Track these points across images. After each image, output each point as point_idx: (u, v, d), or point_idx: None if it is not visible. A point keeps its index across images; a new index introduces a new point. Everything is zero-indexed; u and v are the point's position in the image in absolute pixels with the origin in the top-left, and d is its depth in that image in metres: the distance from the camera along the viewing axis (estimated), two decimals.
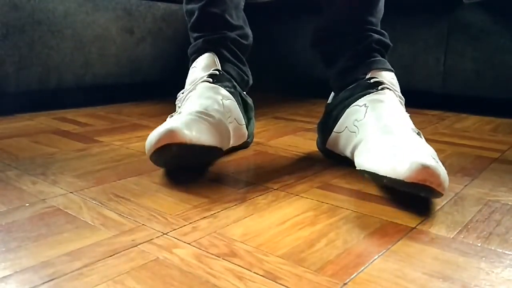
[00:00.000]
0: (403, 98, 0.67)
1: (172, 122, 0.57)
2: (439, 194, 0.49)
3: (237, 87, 0.76)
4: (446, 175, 0.51)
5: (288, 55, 1.56)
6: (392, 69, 0.70)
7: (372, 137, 0.58)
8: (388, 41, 0.72)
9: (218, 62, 0.75)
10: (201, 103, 0.66)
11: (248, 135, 0.78)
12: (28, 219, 0.48)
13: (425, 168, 0.47)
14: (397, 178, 0.49)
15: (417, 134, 0.59)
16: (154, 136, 0.56)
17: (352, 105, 0.66)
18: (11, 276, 0.37)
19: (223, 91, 0.71)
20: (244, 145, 0.79)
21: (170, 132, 0.55)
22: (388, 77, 0.67)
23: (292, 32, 1.54)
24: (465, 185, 0.61)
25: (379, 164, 0.52)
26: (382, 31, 0.72)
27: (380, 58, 0.70)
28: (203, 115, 0.63)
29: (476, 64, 1.18)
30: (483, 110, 1.21)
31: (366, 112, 0.62)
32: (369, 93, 0.64)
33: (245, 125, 0.75)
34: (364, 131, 0.61)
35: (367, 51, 0.70)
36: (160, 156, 0.56)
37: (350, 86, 0.68)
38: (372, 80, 0.65)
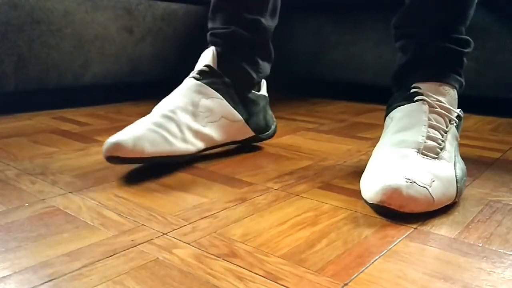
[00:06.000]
0: (452, 111, 0.62)
1: (124, 134, 0.61)
2: (405, 214, 0.49)
3: (229, 84, 0.74)
4: (422, 195, 0.49)
5: (288, 55, 1.56)
6: (450, 82, 0.64)
7: (373, 154, 0.61)
8: (464, 49, 0.66)
9: (215, 57, 0.74)
10: (174, 102, 0.68)
11: (255, 129, 0.77)
12: (28, 219, 0.48)
13: (383, 190, 0.49)
14: (365, 199, 0.52)
15: (424, 150, 0.56)
16: (105, 144, 0.60)
17: (388, 115, 0.66)
18: (11, 276, 0.37)
19: (207, 90, 0.71)
20: (254, 140, 0.79)
21: (116, 146, 0.59)
22: (435, 88, 0.63)
23: (292, 31, 1.54)
24: (466, 186, 0.61)
25: (361, 186, 0.55)
26: (465, 39, 0.67)
27: (442, 69, 0.65)
28: (165, 119, 0.65)
29: (477, 64, 1.18)
30: (484, 109, 1.21)
31: (388, 127, 0.64)
32: (402, 105, 0.63)
33: (243, 121, 0.75)
34: (375, 147, 0.63)
35: (432, 60, 0.66)
36: (112, 161, 0.60)
37: (397, 93, 0.67)
38: (412, 91, 0.63)
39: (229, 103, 0.73)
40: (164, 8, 1.36)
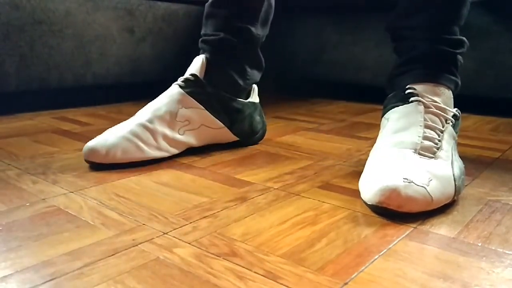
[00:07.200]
0: (448, 111, 0.62)
1: (100, 140, 0.66)
2: (404, 214, 0.49)
3: (212, 93, 0.74)
4: (420, 194, 0.49)
5: (288, 55, 1.56)
6: (444, 83, 0.64)
7: (370, 155, 0.61)
8: (457, 50, 0.66)
9: (204, 64, 0.75)
10: (154, 110, 0.70)
11: (239, 135, 0.79)
12: (29, 218, 0.48)
13: (381, 191, 0.49)
14: (364, 200, 0.53)
15: (421, 150, 0.56)
16: (84, 148, 0.66)
17: (384, 116, 0.66)
18: (12, 276, 0.37)
19: (188, 99, 0.72)
20: (240, 143, 0.80)
21: (91, 152, 0.65)
22: (430, 89, 0.63)
23: (293, 31, 1.54)
24: (466, 185, 0.61)
25: (360, 187, 0.56)
26: (458, 39, 0.66)
27: (436, 70, 0.65)
28: (141, 129, 0.68)
29: (476, 64, 1.18)
30: (483, 109, 1.21)
31: (384, 127, 0.64)
32: (397, 106, 0.63)
33: (225, 128, 0.76)
34: (373, 148, 0.63)
35: (426, 62, 0.66)
36: (89, 163, 0.66)
37: (391, 94, 0.67)
38: (406, 92, 0.63)
39: (209, 112, 0.74)
40: (165, 8, 1.36)
